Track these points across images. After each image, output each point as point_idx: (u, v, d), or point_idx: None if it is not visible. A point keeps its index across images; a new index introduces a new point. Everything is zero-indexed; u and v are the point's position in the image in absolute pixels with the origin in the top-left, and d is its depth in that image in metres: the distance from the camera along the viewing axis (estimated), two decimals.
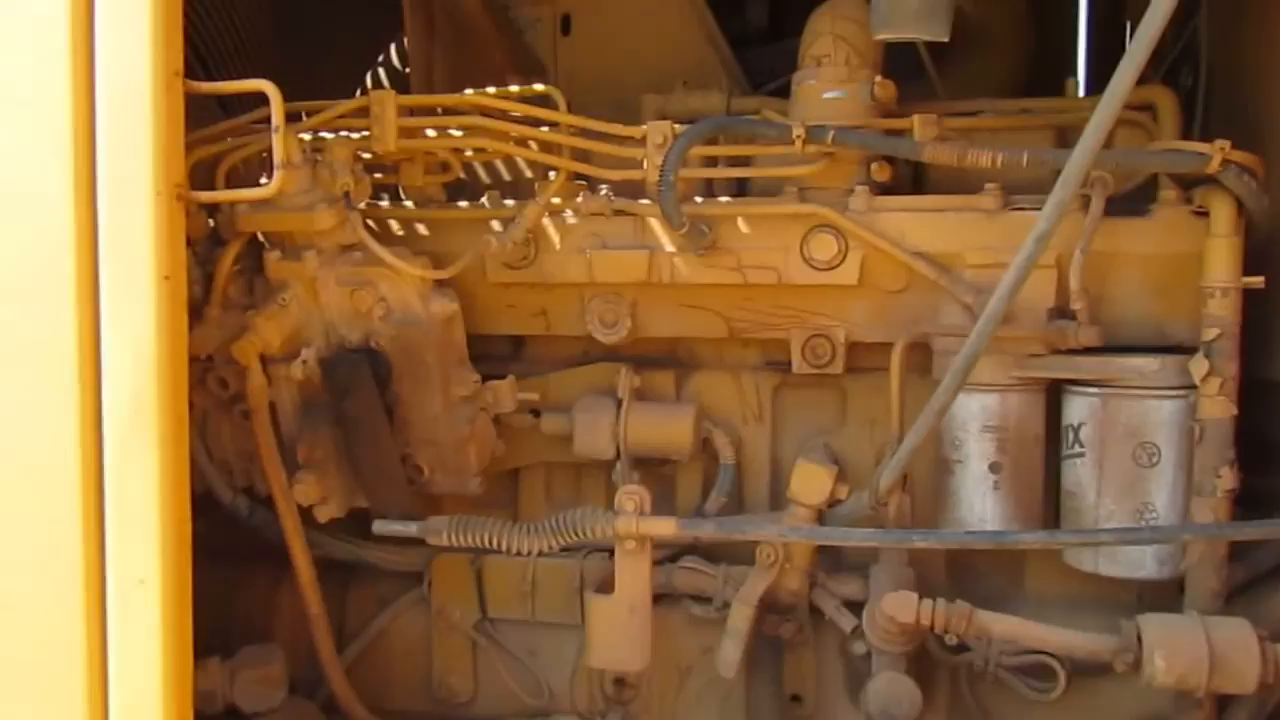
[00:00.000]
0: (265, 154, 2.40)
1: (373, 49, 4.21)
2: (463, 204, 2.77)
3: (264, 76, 2.13)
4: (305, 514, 2.65)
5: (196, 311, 2.52)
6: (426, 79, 3.56)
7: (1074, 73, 3.94)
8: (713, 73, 3.38)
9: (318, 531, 2.78)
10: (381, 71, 4.12)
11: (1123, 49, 3.75)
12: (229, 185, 2.49)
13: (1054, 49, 3.87)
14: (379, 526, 2.49)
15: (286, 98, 2.15)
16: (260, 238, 2.57)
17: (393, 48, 4.10)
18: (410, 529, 2.47)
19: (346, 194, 2.37)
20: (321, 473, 2.57)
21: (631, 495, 2.45)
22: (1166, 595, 2.56)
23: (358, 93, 2.69)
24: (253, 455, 2.62)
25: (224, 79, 2.11)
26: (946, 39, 1.91)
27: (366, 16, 4.14)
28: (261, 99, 2.13)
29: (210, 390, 2.60)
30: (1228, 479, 2.32)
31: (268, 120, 2.13)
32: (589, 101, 3.47)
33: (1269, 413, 2.54)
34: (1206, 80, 3.06)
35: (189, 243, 2.47)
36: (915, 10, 1.87)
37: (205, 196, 2.11)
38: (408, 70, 3.61)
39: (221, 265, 2.48)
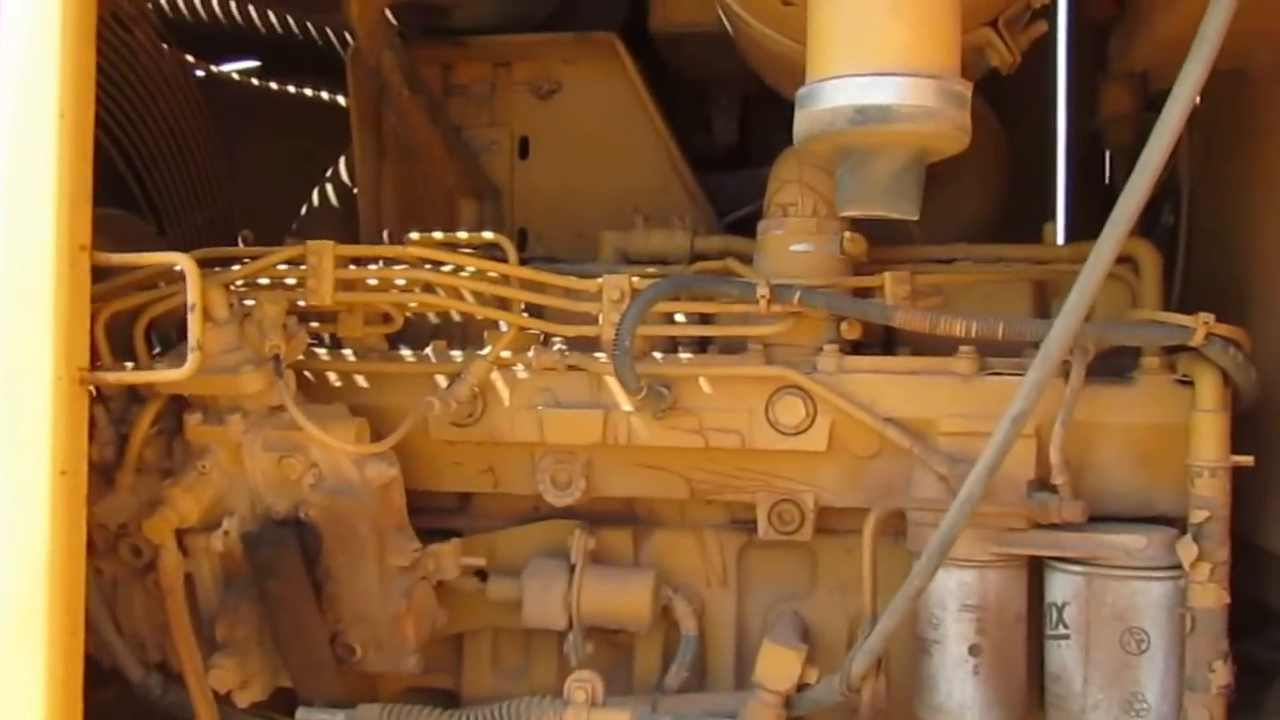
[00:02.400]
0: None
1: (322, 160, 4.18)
2: (406, 353, 2.71)
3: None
4: (226, 696, 2.53)
5: (108, 476, 2.43)
6: (375, 201, 3.53)
7: (1052, 207, 3.94)
8: (677, 202, 3.35)
9: (239, 713, 2.65)
10: (329, 188, 4.07)
11: (1102, 183, 3.80)
12: (152, 337, 2.41)
13: (1030, 179, 3.86)
14: (302, 715, 2.40)
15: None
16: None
17: (341, 161, 4.06)
18: (336, 718, 2.36)
19: (277, 357, 2.28)
20: (242, 654, 2.46)
21: (582, 684, 2.36)
22: None
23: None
24: (167, 628, 2.51)
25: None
26: (916, 217, 1.87)
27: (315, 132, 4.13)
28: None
29: (122, 558, 2.50)
30: (1222, 673, 2.25)
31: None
32: (547, 230, 3.47)
33: (1261, 576, 2.48)
34: (1188, 217, 3.05)
35: (102, 398, 2.40)
36: (884, 188, 1.83)
37: (113, 379, 2.04)
38: (355, 190, 3.57)
39: (138, 427, 2.40)
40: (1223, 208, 2.92)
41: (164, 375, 2.09)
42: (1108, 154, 3.70)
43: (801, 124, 1.86)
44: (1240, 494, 2.32)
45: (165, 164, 3.39)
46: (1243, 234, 2.77)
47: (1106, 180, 3.77)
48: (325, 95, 4.37)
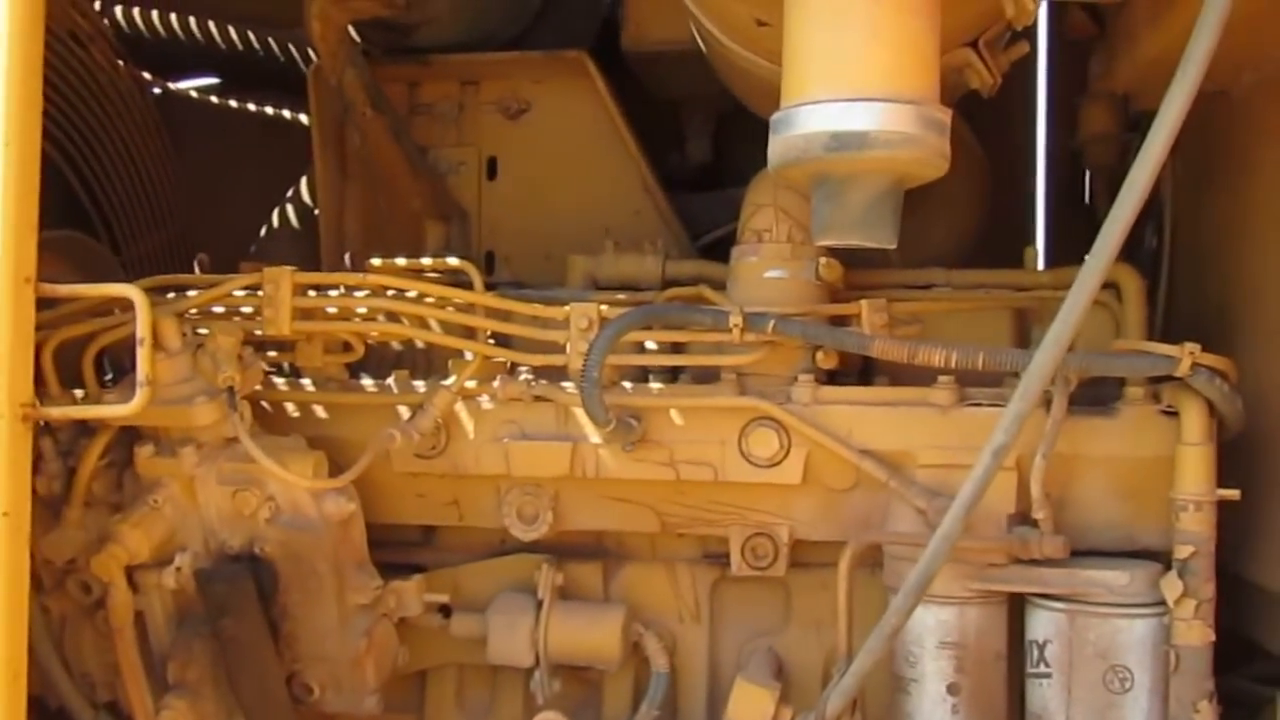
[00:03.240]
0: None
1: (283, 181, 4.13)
2: (367, 383, 2.66)
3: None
4: None
5: (55, 510, 2.38)
6: (337, 223, 3.49)
7: (1031, 228, 3.93)
8: (649, 224, 3.32)
9: None
10: (290, 209, 4.02)
11: (1082, 204, 3.79)
12: (104, 362, 2.36)
13: (1010, 200, 3.85)
14: None
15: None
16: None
17: (303, 182, 4.01)
18: None
19: (230, 390, 2.23)
20: (195, 695, 2.40)
21: None
22: None
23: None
24: (117, 667, 2.45)
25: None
26: (894, 246, 1.84)
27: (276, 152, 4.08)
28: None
29: (70, 595, 2.44)
30: (1207, 714, 2.23)
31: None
32: (515, 252, 3.44)
33: (1247, 610, 2.46)
34: (1171, 241, 3.04)
35: (50, 429, 2.35)
36: (861, 216, 1.80)
37: (58, 414, 1.99)
38: (317, 212, 3.53)
39: (86, 461, 2.35)
40: (1207, 231, 2.91)
41: (111, 411, 2.04)
42: (1087, 174, 3.69)
43: (776, 150, 1.83)
44: (1226, 525, 2.30)
45: (121, 184, 3.35)
46: (1227, 258, 2.76)
47: (1086, 200, 3.76)
48: (287, 114, 4.32)
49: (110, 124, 3.31)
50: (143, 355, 1.96)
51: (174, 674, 2.40)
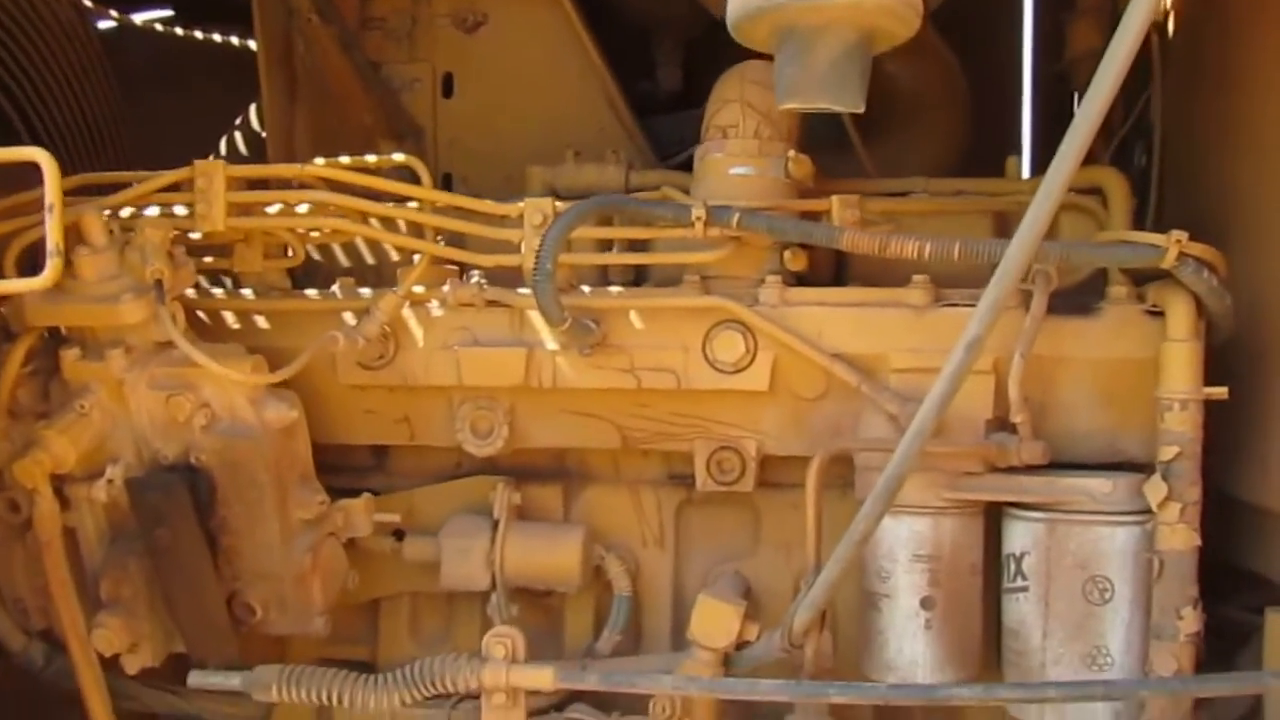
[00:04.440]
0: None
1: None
2: (310, 293, 2.57)
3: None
4: (114, 661, 2.39)
5: None
6: (286, 145, 3.38)
7: (1018, 151, 3.86)
8: (614, 142, 3.23)
9: (130, 680, 2.52)
10: (239, 136, 3.92)
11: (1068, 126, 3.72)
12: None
13: (995, 123, 3.79)
14: (195, 678, 2.26)
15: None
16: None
17: (252, 109, 3.91)
18: (232, 681, 2.24)
19: (159, 283, 2.15)
20: (130, 614, 2.33)
21: (501, 640, 2.24)
22: None
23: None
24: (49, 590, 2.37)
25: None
26: (861, 109, 1.77)
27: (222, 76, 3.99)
28: None
29: None
30: (1191, 620, 2.18)
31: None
32: (473, 174, 3.34)
33: (1235, 534, 2.40)
34: (1161, 159, 2.98)
35: None
36: (823, 77, 1.72)
37: None
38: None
39: (8, 365, 2.27)
40: (1198, 149, 2.84)
41: (21, 284, 1.95)
42: (1075, 96, 3.63)
43: (736, 3, 1.74)
44: (1213, 441, 2.24)
45: (60, 112, 3.26)
46: (1218, 171, 2.69)
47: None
48: (236, 41, 4.23)
49: (49, 52, 3.22)
50: (52, 224, 1.87)
51: (107, 591, 2.33)
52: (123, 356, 2.24)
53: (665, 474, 2.71)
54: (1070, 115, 3.75)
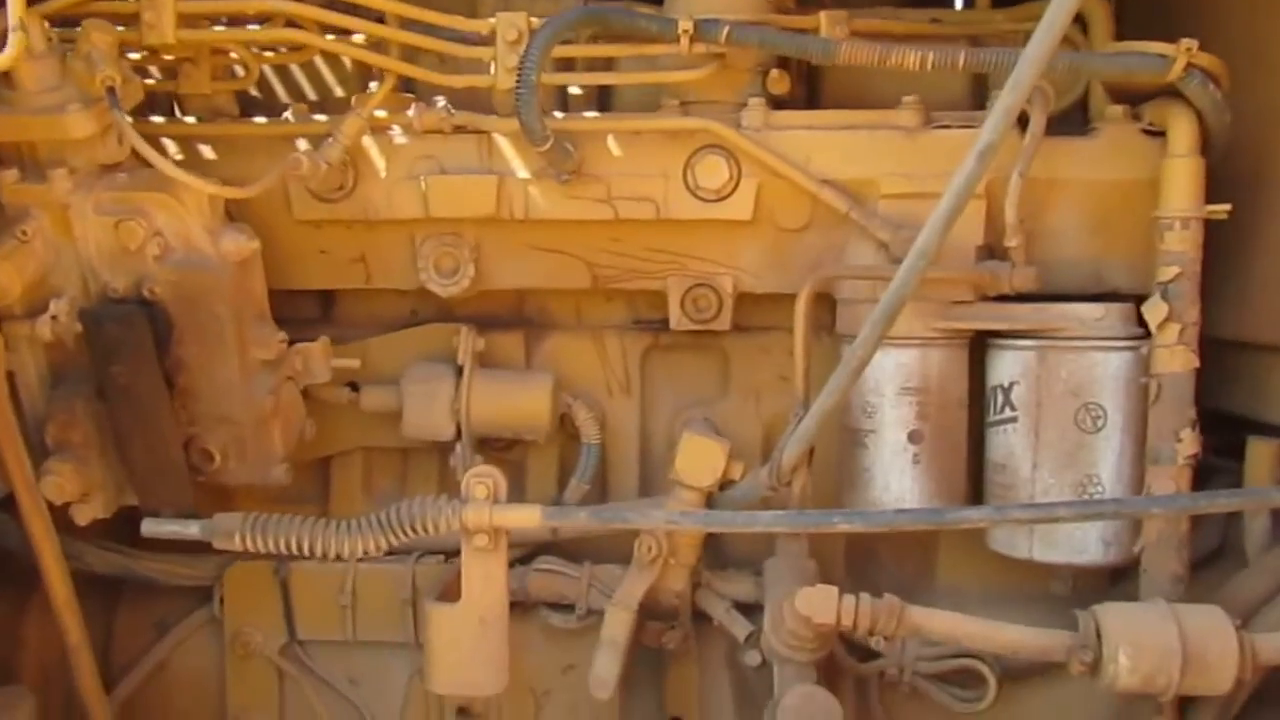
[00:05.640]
0: None
1: None
2: (261, 120, 2.43)
3: None
4: (60, 515, 2.28)
5: None
6: None
7: None
8: None
9: (77, 539, 2.43)
10: None
11: None
12: None
13: None
14: (149, 526, 2.13)
15: None
16: None
17: None
18: (190, 529, 2.12)
19: (111, 90, 1.99)
20: (80, 461, 2.21)
21: (482, 479, 2.16)
22: (1100, 586, 2.44)
23: None
24: None
25: None
26: None
27: None
28: None
29: None
30: (1189, 443, 2.19)
31: None
32: None
33: (1221, 377, 2.41)
34: None
35: None
36: None
37: None
38: None
39: None
40: None
41: None
42: None
43: None
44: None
45: None
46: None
47: None
48: None
49: None
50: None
51: (54, 436, 2.21)
52: (66, 178, 2.09)
53: (630, 319, 2.65)
54: None
